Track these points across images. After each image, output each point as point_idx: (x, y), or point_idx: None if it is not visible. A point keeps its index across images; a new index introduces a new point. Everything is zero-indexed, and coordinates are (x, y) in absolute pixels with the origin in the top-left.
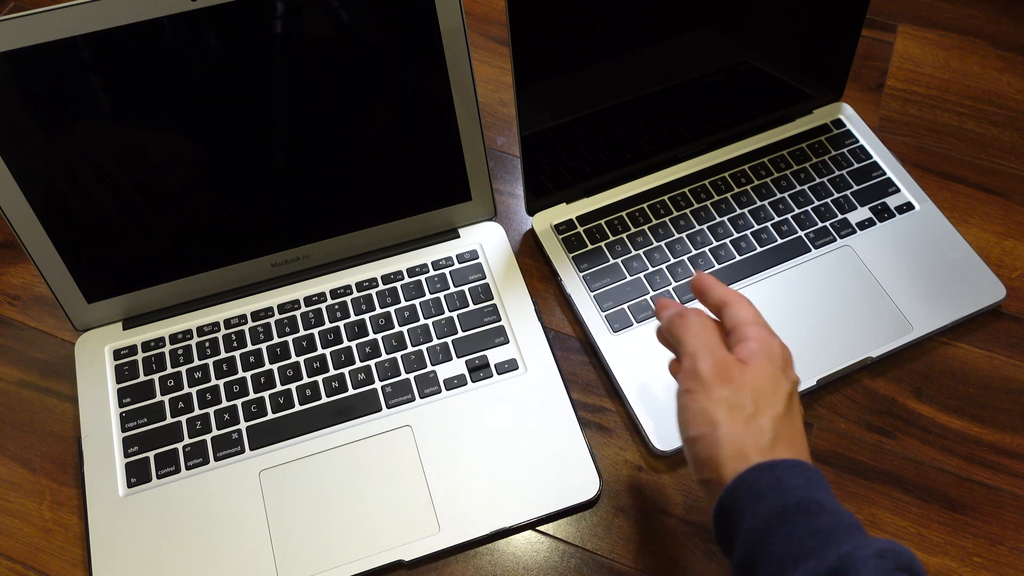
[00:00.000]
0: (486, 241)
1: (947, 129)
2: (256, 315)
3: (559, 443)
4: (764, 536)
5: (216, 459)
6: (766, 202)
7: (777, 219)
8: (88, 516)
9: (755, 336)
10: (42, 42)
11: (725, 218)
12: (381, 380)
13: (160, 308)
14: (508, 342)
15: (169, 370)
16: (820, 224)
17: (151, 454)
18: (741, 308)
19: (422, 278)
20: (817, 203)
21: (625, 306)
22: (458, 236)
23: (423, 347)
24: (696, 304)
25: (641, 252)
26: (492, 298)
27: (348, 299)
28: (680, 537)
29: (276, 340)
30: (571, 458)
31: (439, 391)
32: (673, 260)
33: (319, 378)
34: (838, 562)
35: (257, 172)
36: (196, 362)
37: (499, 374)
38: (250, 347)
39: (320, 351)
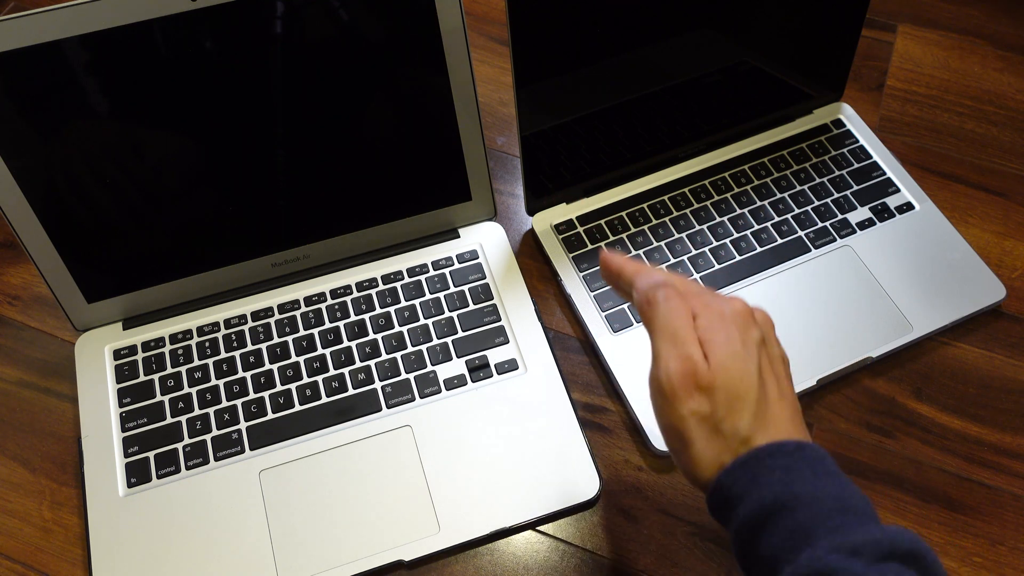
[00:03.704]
0: (486, 241)
1: (947, 129)
2: (256, 315)
3: (559, 443)
4: (749, 540)
5: (216, 459)
6: (766, 202)
7: (777, 219)
8: (88, 516)
9: (702, 310)
10: (42, 42)
11: (725, 218)
12: (381, 380)
13: (160, 308)
14: (508, 342)
15: (169, 370)
16: (820, 224)
17: (151, 454)
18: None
19: (422, 278)
20: (817, 203)
21: (625, 306)
22: (458, 236)
23: (423, 347)
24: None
25: (641, 252)
26: (492, 298)
27: (348, 299)
28: (680, 537)
29: (276, 340)
30: (571, 458)
31: (439, 391)
32: (673, 260)
33: (319, 378)
34: (809, 565)
35: (257, 172)
36: (196, 362)
37: (499, 374)
38: (250, 347)
39: (320, 351)
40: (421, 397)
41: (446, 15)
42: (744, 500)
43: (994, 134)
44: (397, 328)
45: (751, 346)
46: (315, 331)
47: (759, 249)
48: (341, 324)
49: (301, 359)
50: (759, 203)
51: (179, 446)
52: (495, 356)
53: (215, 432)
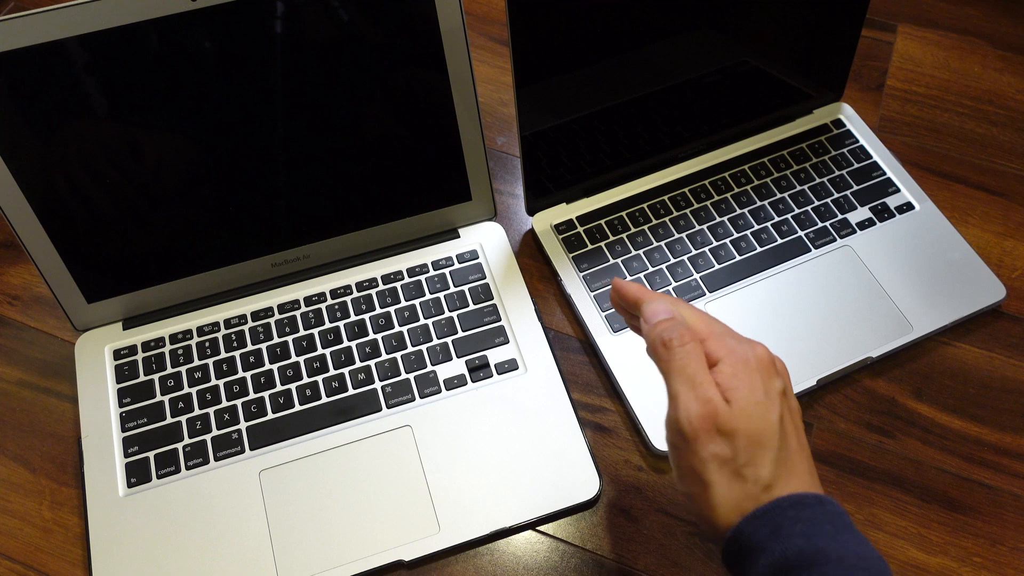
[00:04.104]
0: (486, 241)
1: (947, 129)
2: (256, 315)
3: (559, 443)
4: None
5: (216, 459)
6: (766, 202)
7: (777, 219)
8: (88, 516)
9: (726, 356)
10: (42, 42)
11: (725, 218)
12: (381, 380)
13: (160, 308)
14: (508, 342)
15: (169, 370)
16: (820, 224)
17: (151, 454)
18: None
19: (422, 278)
20: (817, 203)
21: None
22: (458, 236)
23: (423, 347)
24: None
25: (641, 252)
26: (492, 298)
27: (348, 299)
28: (680, 537)
29: (276, 340)
30: (571, 458)
31: (439, 391)
32: (673, 260)
33: (319, 378)
34: None
35: (257, 172)
36: (196, 362)
37: (499, 374)
38: (250, 347)
39: (320, 351)
40: (421, 397)
41: (446, 15)
42: (766, 551)
43: (994, 134)
44: (397, 328)
45: (774, 396)
46: (315, 331)
47: (759, 249)
48: (341, 324)
49: (301, 359)
50: (759, 203)
51: (179, 446)
52: (495, 356)
53: (215, 432)
